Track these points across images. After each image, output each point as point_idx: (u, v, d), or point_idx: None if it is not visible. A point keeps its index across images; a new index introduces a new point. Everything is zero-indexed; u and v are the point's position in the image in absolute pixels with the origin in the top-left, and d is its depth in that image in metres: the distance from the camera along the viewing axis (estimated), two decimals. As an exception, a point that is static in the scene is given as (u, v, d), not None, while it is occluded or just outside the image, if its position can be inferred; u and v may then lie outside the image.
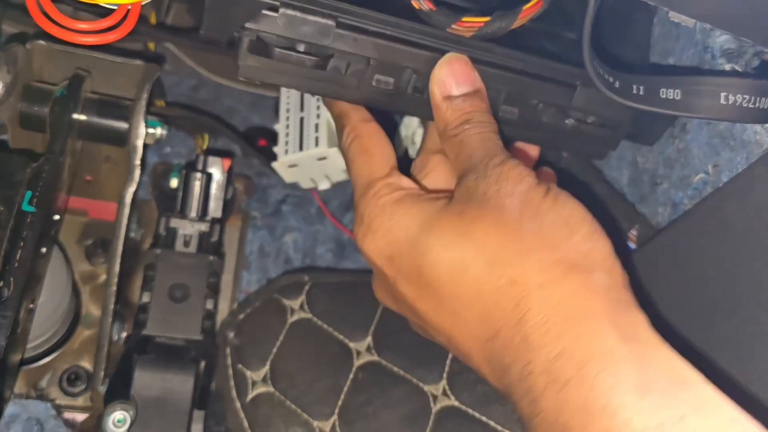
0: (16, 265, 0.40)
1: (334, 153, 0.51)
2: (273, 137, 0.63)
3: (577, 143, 0.45)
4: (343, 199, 0.63)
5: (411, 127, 0.57)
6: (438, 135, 0.39)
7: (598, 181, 0.53)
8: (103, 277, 0.58)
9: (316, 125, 0.51)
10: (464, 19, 0.38)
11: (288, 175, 0.53)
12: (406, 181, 0.38)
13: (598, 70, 0.36)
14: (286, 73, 0.40)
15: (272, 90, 0.67)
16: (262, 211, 0.62)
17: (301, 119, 0.52)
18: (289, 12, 0.39)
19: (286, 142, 0.52)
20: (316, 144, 0.51)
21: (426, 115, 0.43)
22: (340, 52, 0.39)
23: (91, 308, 0.57)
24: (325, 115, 0.52)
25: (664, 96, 0.34)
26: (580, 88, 0.44)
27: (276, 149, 0.52)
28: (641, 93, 0.35)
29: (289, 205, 0.62)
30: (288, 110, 0.53)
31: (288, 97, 0.54)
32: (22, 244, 0.41)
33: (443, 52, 0.39)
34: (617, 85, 0.36)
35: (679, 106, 0.33)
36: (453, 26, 0.39)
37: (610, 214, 0.51)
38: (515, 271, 0.31)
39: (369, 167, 0.38)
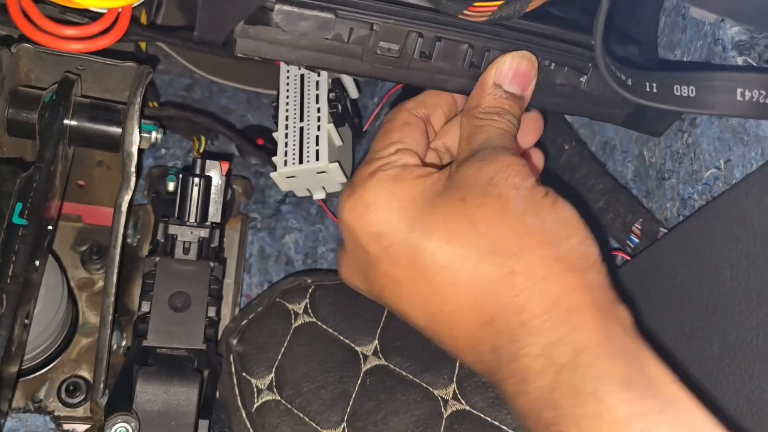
0: (8, 281, 0.39)
1: (334, 168, 0.50)
2: (270, 136, 0.62)
3: (593, 106, 0.44)
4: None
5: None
6: (465, 110, 0.39)
7: (601, 174, 0.51)
8: (100, 284, 0.57)
9: (317, 137, 0.50)
10: (476, 3, 0.37)
11: (284, 185, 0.52)
12: (408, 158, 0.37)
13: (610, 68, 0.34)
14: (285, 44, 0.38)
15: (269, 87, 0.66)
16: (262, 212, 0.61)
17: (301, 129, 0.51)
18: (286, 7, 0.37)
19: (285, 153, 0.50)
20: (317, 158, 0.50)
21: (433, 85, 0.42)
22: (343, 18, 0.38)
23: (89, 316, 0.56)
24: (326, 127, 0.51)
25: (678, 93, 0.32)
26: (592, 71, 0.42)
27: (275, 159, 0.51)
28: (654, 90, 0.34)
29: (289, 206, 0.61)
30: (287, 118, 0.52)
31: (287, 104, 0.52)
32: (14, 258, 0.40)
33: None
34: (630, 82, 0.35)
35: (694, 103, 0.32)
36: (465, 12, 0.37)
37: (605, 214, 0.50)
38: (518, 264, 0.32)
39: (379, 143, 0.38)
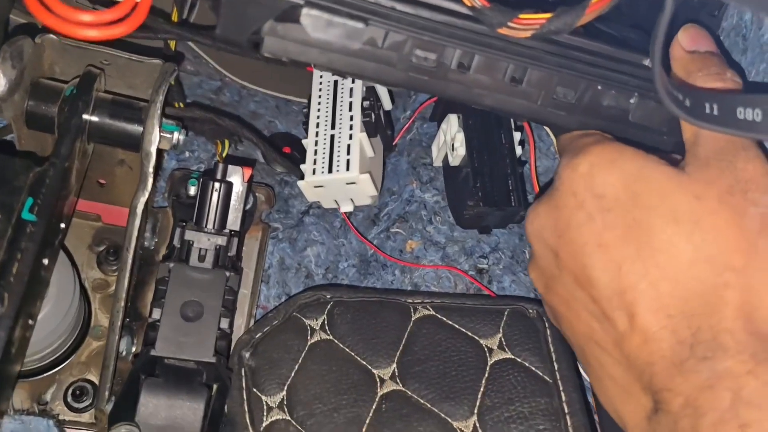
0: (11, 279, 0.37)
1: (365, 179, 0.48)
2: (297, 144, 0.60)
3: (642, 131, 0.41)
4: (369, 213, 0.60)
5: (450, 131, 0.53)
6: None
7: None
8: (114, 286, 0.55)
9: (348, 146, 0.48)
10: (522, 16, 0.35)
11: (311, 195, 0.50)
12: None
13: (668, 87, 0.31)
14: (315, 46, 0.36)
15: (299, 94, 0.64)
16: (284, 222, 0.58)
17: (332, 137, 0.49)
18: (314, 12, 0.35)
19: (314, 161, 0.48)
20: (347, 168, 0.48)
21: (470, 99, 0.39)
22: (377, 21, 0.36)
23: (101, 318, 0.54)
24: (358, 136, 0.48)
25: (741, 116, 0.29)
26: (638, 100, 0.40)
27: (303, 167, 0.49)
28: (715, 113, 0.31)
29: (313, 217, 0.59)
30: (318, 125, 0.50)
31: (318, 110, 0.50)
32: (19, 256, 0.38)
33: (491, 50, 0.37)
34: (687, 103, 0.32)
35: (760, 128, 0.29)
36: (509, 24, 0.35)
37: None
38: (737, 279, 0.30)
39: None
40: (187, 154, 0.59)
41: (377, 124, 0.52)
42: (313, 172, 0.48)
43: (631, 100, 0.40)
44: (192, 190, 0.53)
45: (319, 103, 0.51)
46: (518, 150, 0.52)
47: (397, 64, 0.38)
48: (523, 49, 0.38)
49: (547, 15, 0.35)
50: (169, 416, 0.42)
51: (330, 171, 0.48)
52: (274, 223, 0.58)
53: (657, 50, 0.32)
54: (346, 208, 0.52)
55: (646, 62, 0.40)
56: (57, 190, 0.40)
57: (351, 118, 0.49)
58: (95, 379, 0.51)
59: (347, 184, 0.48)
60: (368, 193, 0.49)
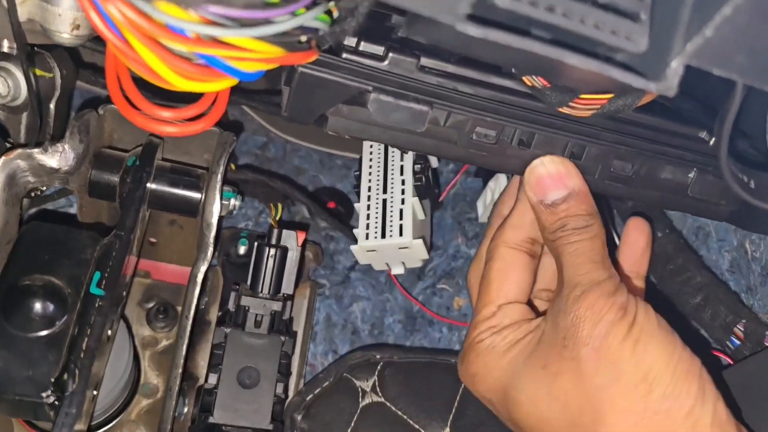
0: (82, 354, 0.38)
1: (418, 244, 0.48)
2: (342, 198, 0.61)
3: (699, 203, 0.41)
4: (414, 269, 0.60)
5: (499, 189, 0.53)
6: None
7: (697, 266, 0.48)
8: (163, 343, 0.55)
9: (401, 211, 0.48)
10: (582, 96, 0.35)
11: (364, 258, 0.50)
12: (509, 316, 0.37)
13: (732, 169, 0.32)
14: (378, 125, 0.37)
15: (343, 149, 0.65)
16: (330, 278, 0.59)
17: (384, 201, 0.49)
18: (382, 97, 0.36)
19: (367, 226, 0.49)
20: (401, 233, 0.48)
21: (519, 172, 0.40)
22: (441, 104, 0.37)
23: (151, 376, 0.54)
24: (410, 201, 0.49)
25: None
26: (697, 174, 0.40)
27: (356, 232, 0.49)
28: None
29: (358, 273, 0.59)
30: (370, 189, 0.50)
31: (370, 174, 0.51)
32: (89, 330, 0.38)
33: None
34: (752, 185, 0.33)
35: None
36: (570, 104, 0.35)
37: (703, 311, 0.47)
38: None
39: (481, 301, 0.38)
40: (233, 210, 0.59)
41: (427, 186, 0.52)
42: (366, 237, 0.49)
43: (690, 174, 0.40)
44: (242, 250, 0.54)
45: (370, 167, 0.51)
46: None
47: (458, 141, 0.38)
48: (582, 127, 0.38)
49: (608, 96, 0.36)
50: (228, 485, 0.42)
51: (383, 236, 0.48)
52: (321, 279, 0.59)
53: (725, 135, 0.32)
54: (397, 270, 0.52)
55: (703, 135, 0.40)
56: (122, 263, 0.41)
57: (402, 182, 0.50)
58: (145, 437, 0.52)
59: (400, 248, 0.49)
60: (420, 257, 0.50)
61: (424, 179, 0.51)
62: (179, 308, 0.55)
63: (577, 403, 0.32)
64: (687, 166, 0.40)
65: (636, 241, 0.41)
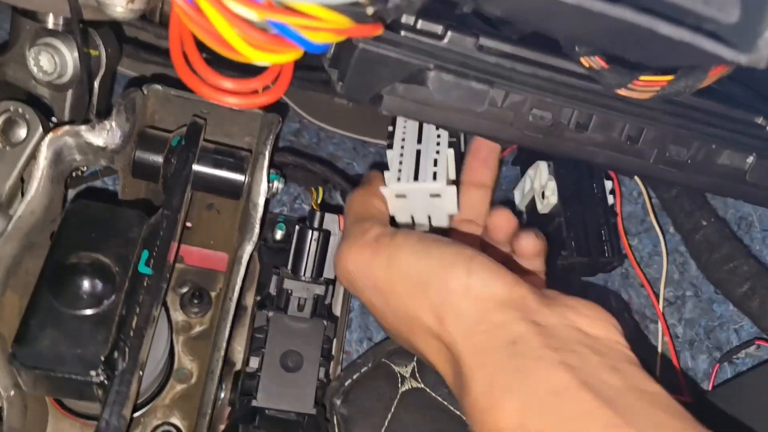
0: (131, 333, 0.37)
1: (452, 191, 0.45)
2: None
3: (755, 189, 0.41)
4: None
5: (539, 179, 0.53)
6: None
7: (744, 255, 0.48)
8: (197, 329, 0.55)
9: (435, 160, 0.45)
10: (642, 78, 0.34)
11: (391, 205, 0.46)
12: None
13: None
14: (434, 105, 0.36)
15: (377, 136, 0.64)
16: (366, 265, 0.58)
17: (418, 152, 0.46)
18: (444, 75, 0.35)
19: (399, 170, 0.45)
20: (434, 178, 0.45)
21: (581, 156, 0.39)
22: (501, 83, 0.36)
23: (185, 361, 0.53)
24: (446, 152, 0.46)
25: None
26: (756, 160, 0.39)
27: (387, 174, 0.45)
28: None
29: (393, 260, 0.58)
30: (404, 140, 0.47)
31: (404, 128, 0.48)
32: (137, 310, 0.38)
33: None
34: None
35: None
36: (629, 86, 0.35)
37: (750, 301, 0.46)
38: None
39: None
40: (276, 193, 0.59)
41: (458, 152, 0.50)
42: (398, 180, 0.45)
43: (748, 160, 0.39)
44: (279, 235, 0.53)
45: (405, 124, 0.48)
46: (609, 199, 0.52)
47: (513, 123, 0.38)
48: (640, 109, 0.38)
49: (668, 77, 0.35)
50: (272, 468, 0.42)
51: (416, 179, 0.45)
52: (356, 266, 0.58)
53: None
54: (422, 227, 0.49)
55: (760, 120, 0.40)
56: (170, 242, 0.40)
57: (438, 136, 0.46)
58: (179, 423, 0.51)
59: (431, 196, 0.46)
60: (449, 211, 0.47)
61: (458, 140, 0.49)
62: (213, 294, 0.55)
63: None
64: (745, 150, 0.39)
65: (477, 148, 0.47)
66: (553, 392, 0.30)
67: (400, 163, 0.46)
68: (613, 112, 0.38)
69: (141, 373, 0.41)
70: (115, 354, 0.37)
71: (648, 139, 0.39)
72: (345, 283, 0.41)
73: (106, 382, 0.37)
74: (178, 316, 0.55)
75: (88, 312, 0.37)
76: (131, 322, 0.37)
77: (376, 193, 0.45)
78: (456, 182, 0.47)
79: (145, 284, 0.38)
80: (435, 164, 0.45)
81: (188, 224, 0.55)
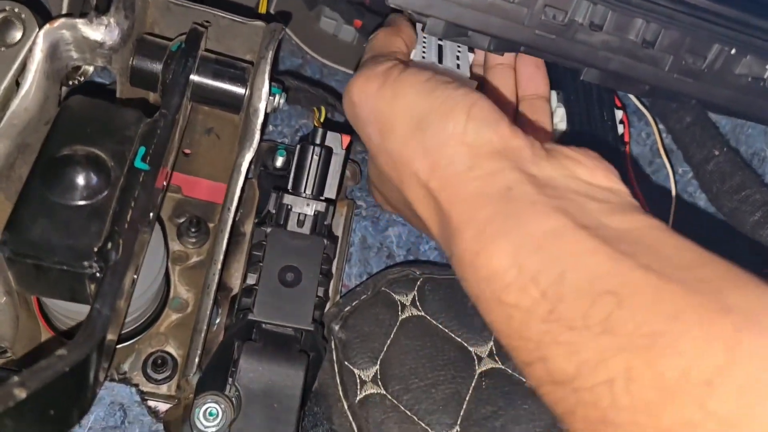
0: (126, 225, 0.36)
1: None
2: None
3: None
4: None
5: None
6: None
7: (757, 184, 0.46)
8: (194, 259, 0.54)
9: (458, 56, 0.43)
10: None
11: (417, 49, 0.44)
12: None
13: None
14: None
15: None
16: (368, 200, 0.57)
17: (440, 49, 0.44)
18: None
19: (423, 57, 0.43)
20: (458, 66, 0.43)
21: (593, 62, 0.38)
22: None
23: (180, 290, 0.52)
24: (468, 56, 0.44)
25: None
26: None
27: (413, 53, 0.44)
28: None
29: (396, 196, 0.57)
30: (423, 58, 0.44)
31: (424, 48, 0.44)
32: (133, 203, 0.37)
33: None
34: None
35: None
36: None
37: (762, 229, 0.45)
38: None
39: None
40: (270, 128, 0.58)
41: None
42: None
43: None
44: (279, 162, 0.52)
45: (424, 45, 0.45)
46: (619, 128, 0.51)
47: (525, 21, 0.37)
48: (658, 6, 0.37)
49: None
50: (269, 382, 0.40)
51: (440, 62, 0.43)
52: (358, 201, 0.57)
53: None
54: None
55: None
56: (167, 141, 0.39)
57: (459, 51, 0.45)
58: (173, 352, 0.50)
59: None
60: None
61: None
62: (211, 225, 0.53)
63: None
64: (765, 58, 0.38)
65: (526, 63, 0.45)
66: (550, 233, 0.29)
67: (423, 57, 0.44)
68: (630, 8, 0.36)
69: (136, 275, 0.40)
70: (109, 245, 0.35)
71: (664, 44, 0.38)
72: (349, 116, 0.39)
73: (98, 275, 0.35)
74: (175, 245, 0.54)
75: (82, 203, 0.36)
76: (126, 216, 0.36)
77: (399, 32, 0.43)
78: None
79: (141, 179, 0.37)
80: (458, 59, 0.44)
81: (186, 151, 0.54)
